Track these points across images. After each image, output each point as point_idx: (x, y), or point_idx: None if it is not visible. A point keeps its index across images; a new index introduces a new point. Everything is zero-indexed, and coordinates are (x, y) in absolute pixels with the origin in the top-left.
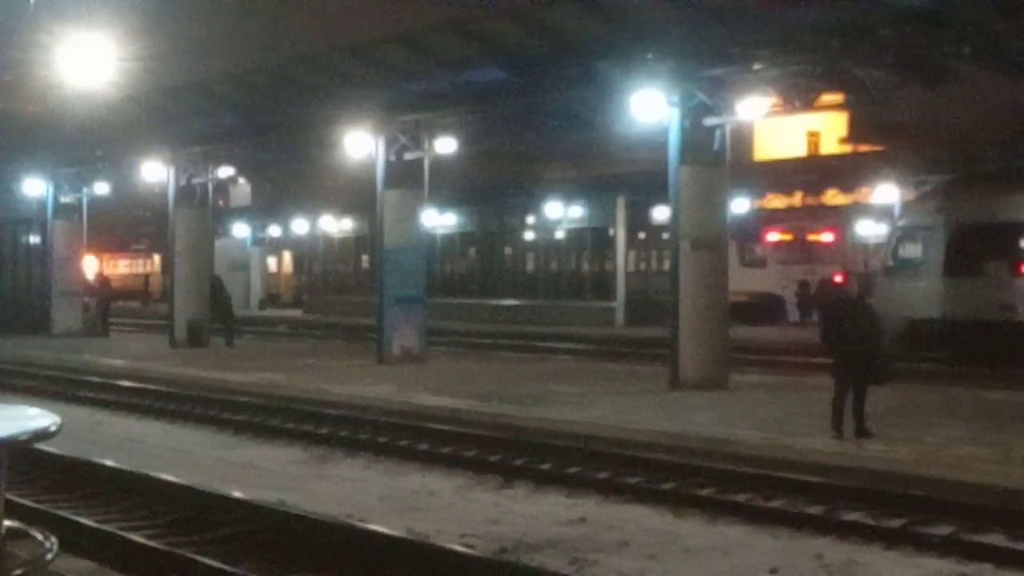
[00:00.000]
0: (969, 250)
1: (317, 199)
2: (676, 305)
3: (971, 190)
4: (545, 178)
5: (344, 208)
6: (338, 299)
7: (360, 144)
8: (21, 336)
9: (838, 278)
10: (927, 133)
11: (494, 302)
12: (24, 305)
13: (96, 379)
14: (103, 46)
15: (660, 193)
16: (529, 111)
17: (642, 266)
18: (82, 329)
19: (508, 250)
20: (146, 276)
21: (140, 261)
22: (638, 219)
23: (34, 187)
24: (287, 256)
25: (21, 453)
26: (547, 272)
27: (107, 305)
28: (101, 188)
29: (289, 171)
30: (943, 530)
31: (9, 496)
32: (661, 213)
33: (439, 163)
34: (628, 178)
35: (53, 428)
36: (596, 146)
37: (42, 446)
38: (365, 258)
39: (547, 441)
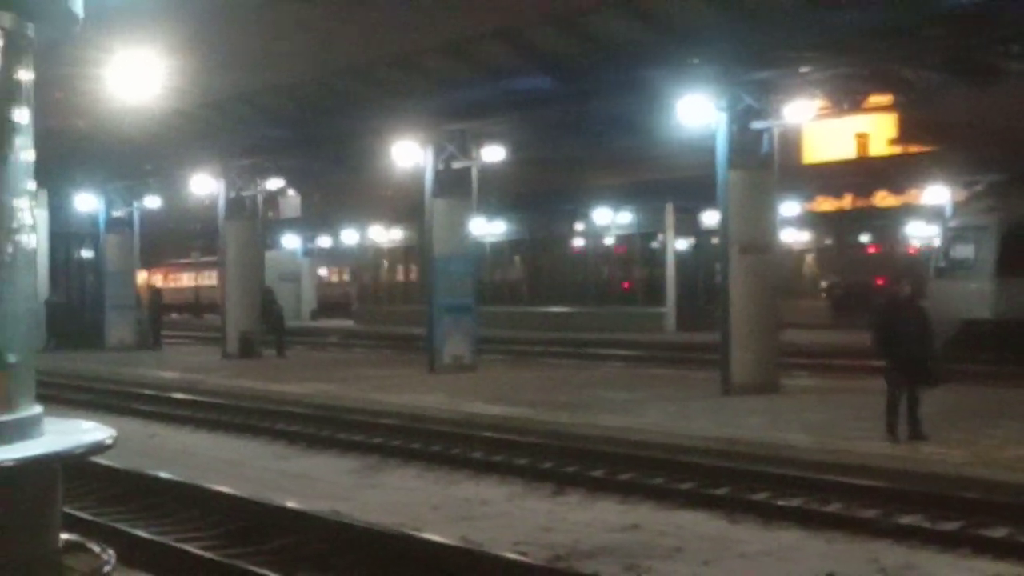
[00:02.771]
0: (1021, 249)
1: (366, 209)
2: (726, 310)
3: (1023, 189)
4: (593, 185)
5: (393, 218)
6: (388, 309)
7: (408, 153)
8: (75, 350)
9: (887, 281)
10: (977, 133)
11: (544, 309)
12: (78, 319)
13: (150, 392)
14: (151, 60)
15: (709, 198)
16: (576, 118)
17: (692, 271)
18: (135, 342)
19: (557, 257)
20: (197, 288)
21: (191, 273)
22: (687, 224)
23: (86, 202)
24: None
25: (77, 466)
26: (596, 278)
27: (159, 318)
28: (152, 202)
29: (338, 182)
30: (1000, 532)
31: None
32: (710, 218)
33: (487, 171)
34: (676, 183)
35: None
36: (643, 152)
37: (98, 459)
38: (415, 267)
39: (599, 448)
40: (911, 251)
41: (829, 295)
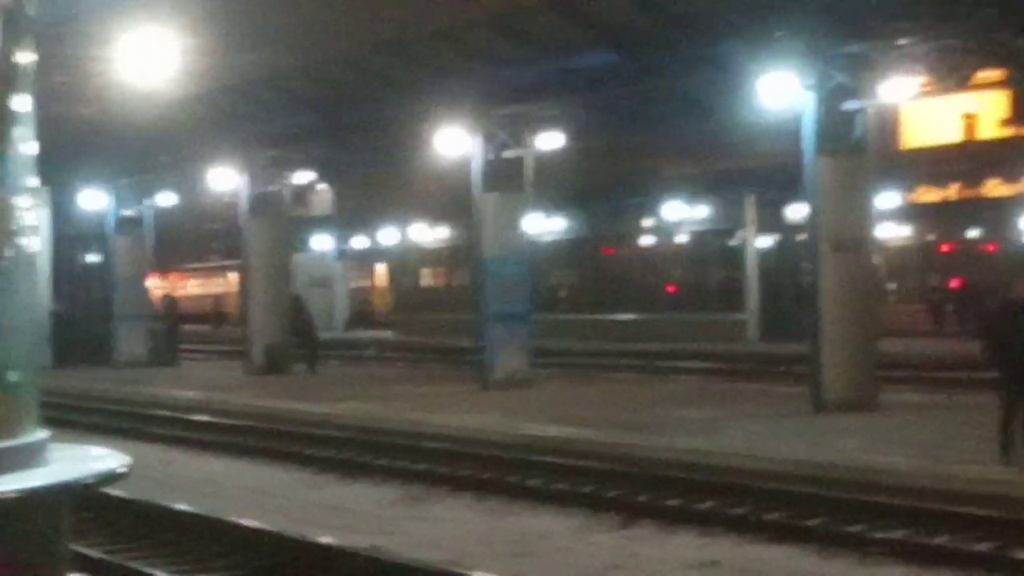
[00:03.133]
0: None
1: (407, 205)
2: (816, 316)
3: None
4: (663, 175)
5: (437, 215)
6: (433, 317)
7: (454, 142)
8: (81, 366)
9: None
10: None
11: (608, 317)
12: (84, 331)
13: (165, 413)
14: (165, 40)
15: (795, 189)
16: (643, 100)
17: (776, 272)
18: (148, 357)
19: (623, 258)
20: (217, 296)
21: (211, 279)
22: (770, 219)
23: (92, 199)
24: (380, 269)
25: (87, 498)
26: (668, 281)
27: (175, 330)
28: (166, 199)
29: (375, 175)
30: None
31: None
32: (796, 212)
33: (543, 161)
34: (758, 173)
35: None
36: (721, 138)
37: (110, 490)
38: (462, 271)
39: (673, 474)
40: None
41: (933, 298)
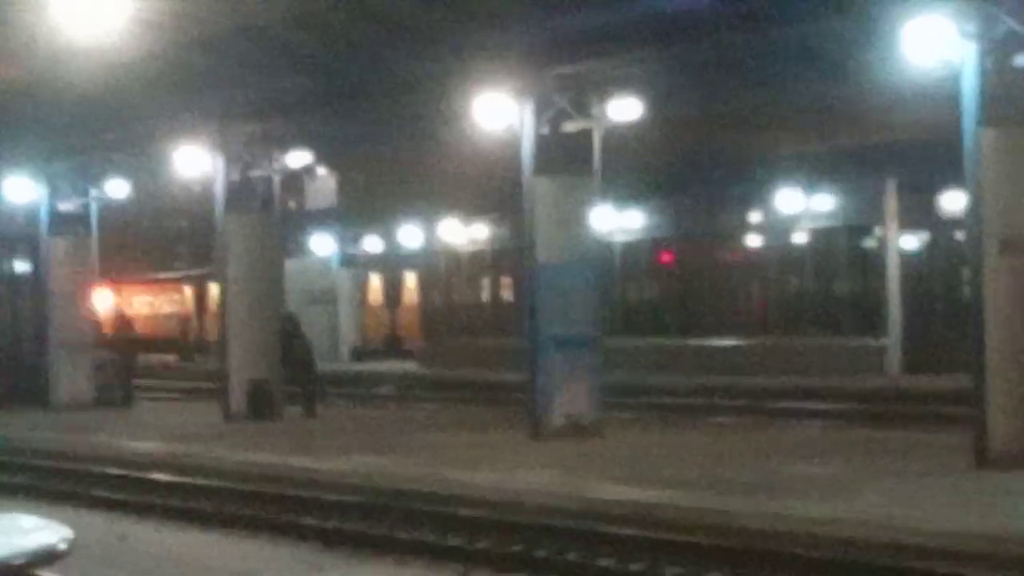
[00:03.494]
0: None
1: (435, 196)
2: (980, 340)
3: None
4: (774, 155)
5: (475, 208)
6: (468, 343)
7: (497, 111)
8: (7, 409)
9: None
10: None
11: (702, 342)
12: (9, 364)
13: (116, 471)
14: None
15: (951, 172)
16: (748, 54)
17: (927, 282)
18: (95, 397)
19: (721, 263)
20: (184, 317)
21: (175, 295)
22: (918, 211)
23: (19, 190)
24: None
25: None
26: (781, 295)
27: (131, 361)
28: (117, 188)
29: (392, 156)
30: None
31: None
32: (953, 201)
33: (616, 137)
34: (901, 150)
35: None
36: (851, 104)
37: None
38: (507, 281)
39: (789, 549)
40: None
41: None
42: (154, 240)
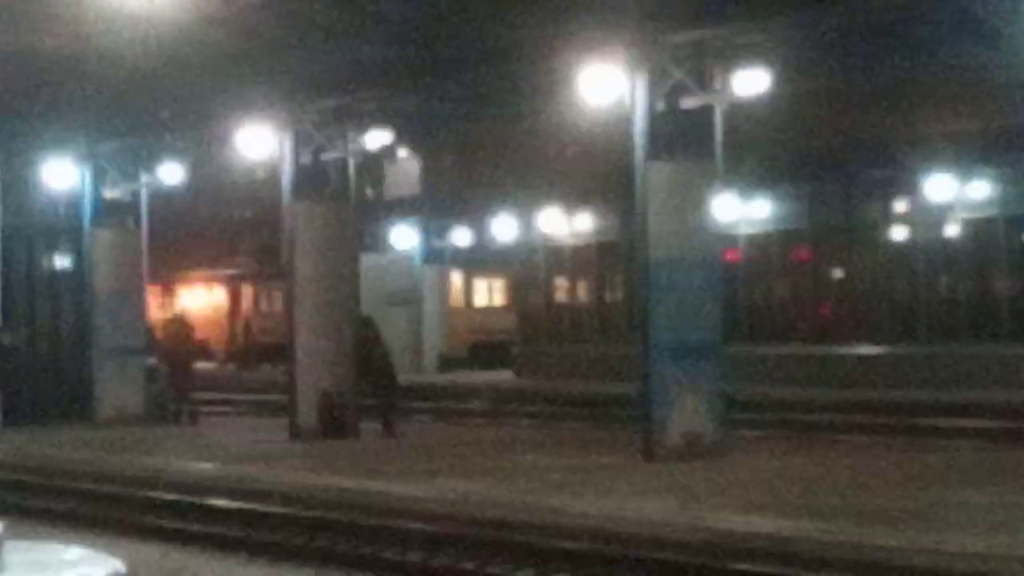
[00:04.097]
0: None
1: (532, 182)
2: None
3: None
4: (923, 135)
5: (578, 196)
6: (571, 350)
7: (605, 84)
8: (46, 425)
9: None
10: None
11: (840, 351)
12: (49, 373)
13: (172, 497)
14: None
15: None
16: (896, 19)
17: None
18: (146, 411)
19: (861, 260)
20: (247, 320)
21: (235, 293)
22: None
23: (61, 174)
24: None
25: None
26: (930, 296)
27: (189, 369)
28: (171, 174)
29: (483, 136)
30: None
31: None
32: None
33: (739, 113)
34: None
35: None
36: (1016, 77)
37: None
38: (616, 280)
39: None
40: None
41: None
42: (212, 233)
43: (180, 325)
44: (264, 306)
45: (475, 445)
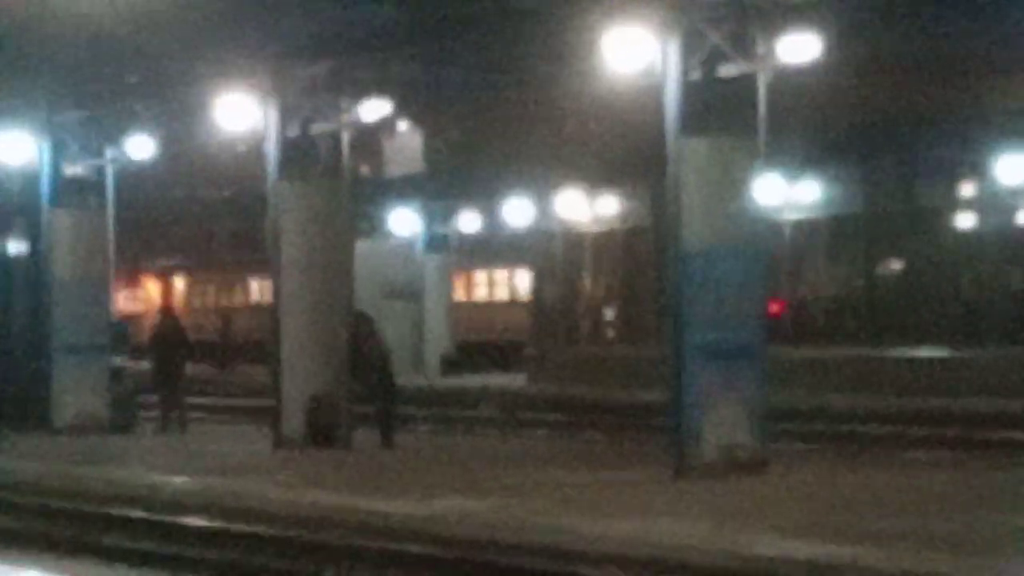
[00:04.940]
0: None
1: (551, 161)
2: None
3: None
4: (993, 109)
5: (602, 176)
6: (592, 352)
7: (633, 49)
8: None
9: None
10: None
11: (896, 354)
12: (2, 374)
13: (138, 514)
14: None
15: None
16: None
17: None
18: (110, 416)
19: (923, 250)
20: (226, 314)
21: (215, 285)
22: None
23: (14, 148)
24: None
25: None
26: (1001, 292)
27: (182, 372)
28: (139, 147)
29: (494, 107)
30: None
31: None
32: None
33: (786, 85)
34: None
35: None
36: None
37: None
38: (645, 271)
39: None
40: None
41: None
42: (186, 216)
43: (172, 320)
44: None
45: (482, 458)
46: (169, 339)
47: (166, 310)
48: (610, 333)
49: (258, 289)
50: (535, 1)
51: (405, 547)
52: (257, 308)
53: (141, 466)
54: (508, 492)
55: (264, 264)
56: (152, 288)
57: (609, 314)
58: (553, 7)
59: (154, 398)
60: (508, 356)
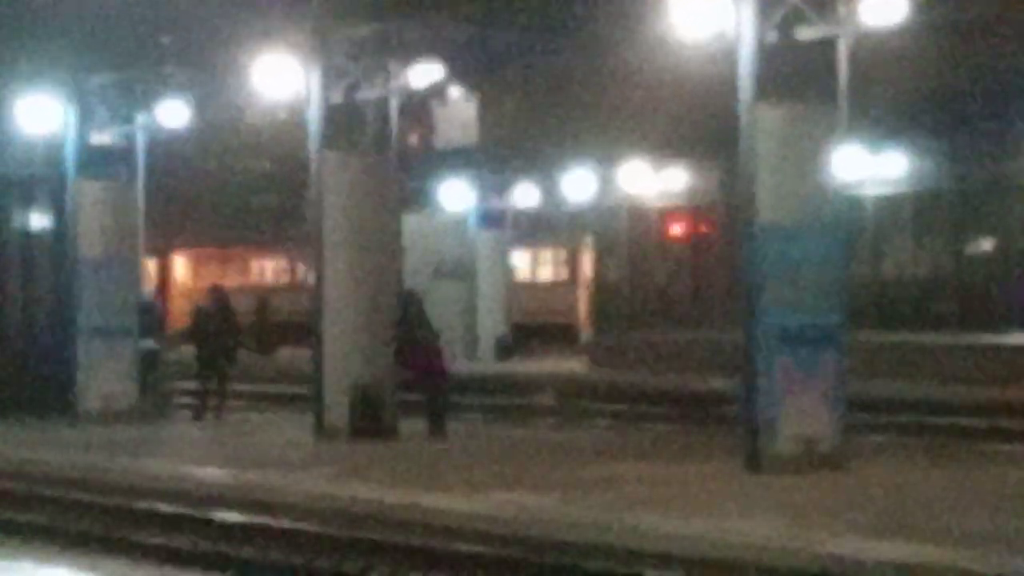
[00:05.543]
0: None
1: (613, 130)
2: None
3: None
4: None
5: (669, 147)
6: (658, 336)
7: (701, 10)
8: (19, 419)
9: None
10: None
11: (989, 340)
12: (21, 358)
13: (171, 510)
14: None
15: None
16: None
17: None
18: (140, 404)
19: (1019, 227)
20: (263, 296)
21: (254, 262)
22: None
23: (37, 114)
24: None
25: None
26: None
27: (232, 359)
28: (172, 114)
29: (554, 73)
30: None
31: None
32: None
33: (869, 50)
34: None
35: None
36: None
37: None
38: (714, 249)
39: None
40: None
41: None
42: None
43: (221, 301)
44: None
45: (540, 450)
46: (218, 322)
47: (216, 289)
48: (679, 315)
49: (300, 268)
50: None
51: (455, 546)
52: (299, 288)
53: (173, 457)
54: (567, 487)
55: (305, 241)
56: (182, 267)
57: (677, 295)
58: None
59: (193, 385)
60: (568, 339)
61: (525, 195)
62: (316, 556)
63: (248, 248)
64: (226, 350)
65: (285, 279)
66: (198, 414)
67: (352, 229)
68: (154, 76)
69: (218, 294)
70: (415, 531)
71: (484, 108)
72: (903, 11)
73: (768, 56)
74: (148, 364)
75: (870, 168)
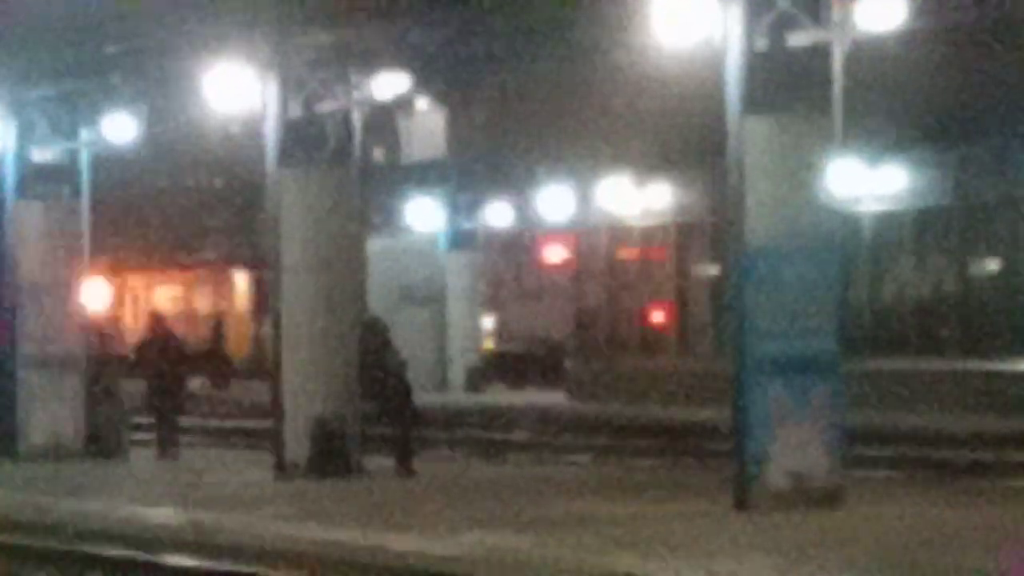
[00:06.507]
0: None
1: (591, 144)
2: None
3: None
4: None
5: (652, 162)
6: (640, 365)
7: (685, 15)
8: None
9: None
10: None
11: (996, 367)
12: None
13: (117, 553)
14: None
15: None
16: None
17: None
18: (89, 441)
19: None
20: (217, 322)
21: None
22: None
23: None
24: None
25: None
26: None
27: (181, 391)
28: (118, 129)
29: (527, 82)
30: None
31: None
32: None
33: (865, 57)
34: None
35: None
36: None
37: None
38: (700, 270)
39: None
40: None
41: None
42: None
43: (163, 329)
44: None
45: (515, 488)
46: (161, 352)
47: (156, 317)
48: (663, 343)
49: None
50: None
51: None
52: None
53: (122, 497)
54: (544, 527)
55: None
56: (137, 290)
57: (659, 319)
58: None
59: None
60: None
61: (497, 214)
62: None
63: (199, 270)
64: (170, 384)
65: (240, 306)
66: (160, 451)
67: (312, 251)
68: (99, 88)
69: (156, 321)
70: (380, 575)
71: (453, 121)
72: (901, 15)
73: (757, 64)
74: (97, 396)
75: (867, 183)
